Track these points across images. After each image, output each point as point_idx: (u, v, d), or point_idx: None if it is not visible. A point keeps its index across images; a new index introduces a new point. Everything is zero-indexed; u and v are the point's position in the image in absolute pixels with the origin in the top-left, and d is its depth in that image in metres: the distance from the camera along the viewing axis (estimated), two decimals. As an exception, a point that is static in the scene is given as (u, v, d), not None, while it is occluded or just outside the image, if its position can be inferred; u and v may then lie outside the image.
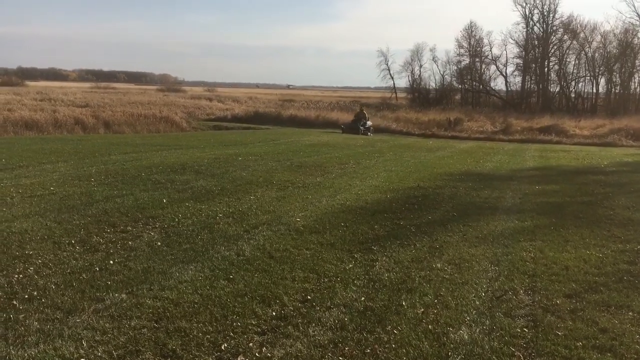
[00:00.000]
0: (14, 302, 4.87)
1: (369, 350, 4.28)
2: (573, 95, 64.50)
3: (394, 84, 77.67)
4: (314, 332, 4.55)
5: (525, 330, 4.72)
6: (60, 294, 5.12)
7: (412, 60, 73.54)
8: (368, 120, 34.49)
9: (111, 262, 6.06)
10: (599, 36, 60.97)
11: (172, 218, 8.10)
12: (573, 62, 64.10)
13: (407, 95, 74.08)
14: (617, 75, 61.41)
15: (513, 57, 68.02)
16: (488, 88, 69.58)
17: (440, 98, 68.46)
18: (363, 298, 5.33)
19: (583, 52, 62.14)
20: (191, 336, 4.39)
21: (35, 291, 5.15)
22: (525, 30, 64.94)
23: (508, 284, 5.85)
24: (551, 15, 63.32)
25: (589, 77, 63.57)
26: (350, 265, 6.30)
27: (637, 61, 59.48)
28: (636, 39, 58.70)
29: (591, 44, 61.63)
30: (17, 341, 4.18)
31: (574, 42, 62.24)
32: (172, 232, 7.37)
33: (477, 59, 69.68)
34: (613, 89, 62.76)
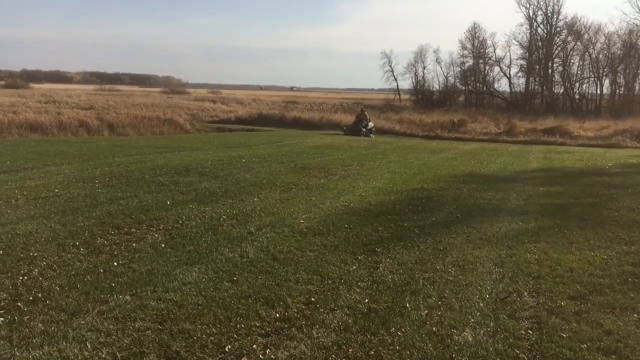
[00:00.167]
0: (19, 304, 4.88)
1: (372, 352, 4.28)
2: (577, 96, 64.34)
3: (397, 85, 77.72)
4: (317, 334, 4.55)
5: (529, 332, 4.71)
6: (64, 295, 5.14)
7: (415, 61, 73.58)
8: (369, 121, 34.43)
9: (115, 264, 6.08)
10: (603, 37, 60.92)
11: (176, 220, 8.12)
12: (577, 64, 64.08)
13: (411, 97, 74.00)
14: (622, 76, 61.28)
15: (517, 59, 67.97)
16: (492, 89, 69.47)
17: (443, 99, 68.41)
18: (367, 300, 5.32)
19: (587, 53, 62.04)
20: (195, 338, 4.40)
21: (39, 293, 5.17)
22: (528, 31, 64.94)
23: (512, 286, 5.84)
24: (555, 16, 63.28)
25: (593, 79, 63.51)
26: (354, 267, 6.30)
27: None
28: (640, 40, 58.60)
29: (595, 45, 61.58)
30: (22, 343, 4.19)
31: (578, 43, 62.16)
32: (176, 234, 7.38)
33: (480, 61, 69.63)
34: (617, 90, 62.64)
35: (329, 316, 4.90)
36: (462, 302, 5.34)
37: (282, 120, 41.12)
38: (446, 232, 8.01)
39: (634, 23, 58.11)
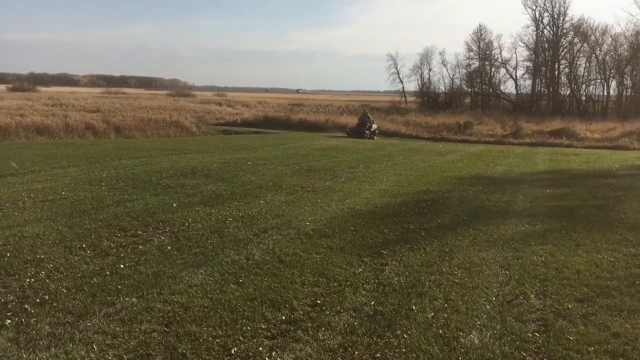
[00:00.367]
0: (26, 306, 4.91)
1: (379, 355, 4.27)
2: (584, 98, 64.11)
3: (403, 87, 77.67)
4: (323, 336, 4.54)
5: (536, 335, 4.69)
6: (71, 298, 5.16)
7: (421, 63, 73.59)
8: (373, 123, 34.31)
9: (122, 266, 6.09)
10: (610, 39, 60.66)
11: (182, 222, 8.13)
12: (584, 65, 63.84)
13: (417, 99, 73.98)
14: (629, 78, 60.96)
15: (523, 60, 67.87)
16: (498, 91, 69.33)
17: (449, 101, 68.32)
18: (373, 302, 5.31)
19: (594, 54, 61.80)
20: (201, 340, 4.40)
21: (46, 295, 5.19)
22: (535, 33, 64.76)
23: (519, 288, 5.82)
24: (561, 18, 63.08)
25: (599, 80, 63.21)
26: (360, 270, 6.29)
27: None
28: (647, 41, 58.32)
29: (602, 46, 61.31)
30: (29, 345, 4.22)
31: (585, 44, 61.93)
32: (182, 236, 7.40)
33: (486, 62, 69.49)
34: (624, 92, 62.32)
35: (334, 318, 4.90)
36: (469, 304, 5.33)
37: (288, 122, 41.16)
38: (452, 235, 8.00)
39: (640, 24, 57.89)
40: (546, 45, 64.85)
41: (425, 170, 15.49)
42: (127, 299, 5.17)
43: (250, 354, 4.22)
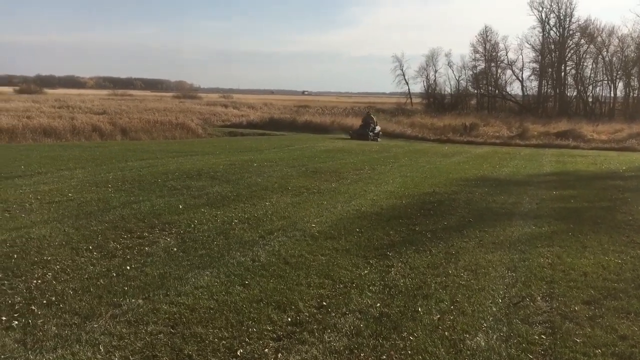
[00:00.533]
0: (33, 308, 4.93)
1: (384, 357, 4.27)
2: (590, 99, 63.91)
3: (409, 89, 77.62)
4: (329, 338, 4.54)
5: (543, 337, 4.67)
6: (78, 299, 5.18)
7: (427, 65, 73.52)
8: (376, 125, 34.19)
9: (128, 267, 6.11)
10: (617, 40, 60.53)
11: (188, 224, 8.15)
12: (590, 66, 63.73)
13: (422, 101, 73.88)
14: (635, 79, 60.76)
15: (529, 62, 67.72)
16: (504, 93, 69.20)
17: (455, 103, 68.21)
18: (379, 304, 5.31)
19: (600, 56, 61.63)
20: (207, 342, 4.41)
21: (53, 296, 5.21)
22: (541, 34, 64.70)
23: (525, 291, 5.80)
24: (567, 19, 62.99)
25: (606, 81, 63.05)
26: (366, 271, 6.29)
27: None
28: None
29: (608, 47, 61.15)
30: (36, 346, 4.23)
31: (591, 46, 61.76)
32: (188, 238, 7.41)
33: (492, 64, 69.41)
34: (631, 93, 62.10)
35: (340, 320, 4.90)
36: (475, 306, 5.31)
37: (294, 124, 41.17)
38: (458, 236, 7.98)
39: (647, 25, 57.63)
40: (552, 46, 64.75)
41: (431, 172, 15.47)
42: (133, 300, 5.18)
43: (256, 355, 4.22)
